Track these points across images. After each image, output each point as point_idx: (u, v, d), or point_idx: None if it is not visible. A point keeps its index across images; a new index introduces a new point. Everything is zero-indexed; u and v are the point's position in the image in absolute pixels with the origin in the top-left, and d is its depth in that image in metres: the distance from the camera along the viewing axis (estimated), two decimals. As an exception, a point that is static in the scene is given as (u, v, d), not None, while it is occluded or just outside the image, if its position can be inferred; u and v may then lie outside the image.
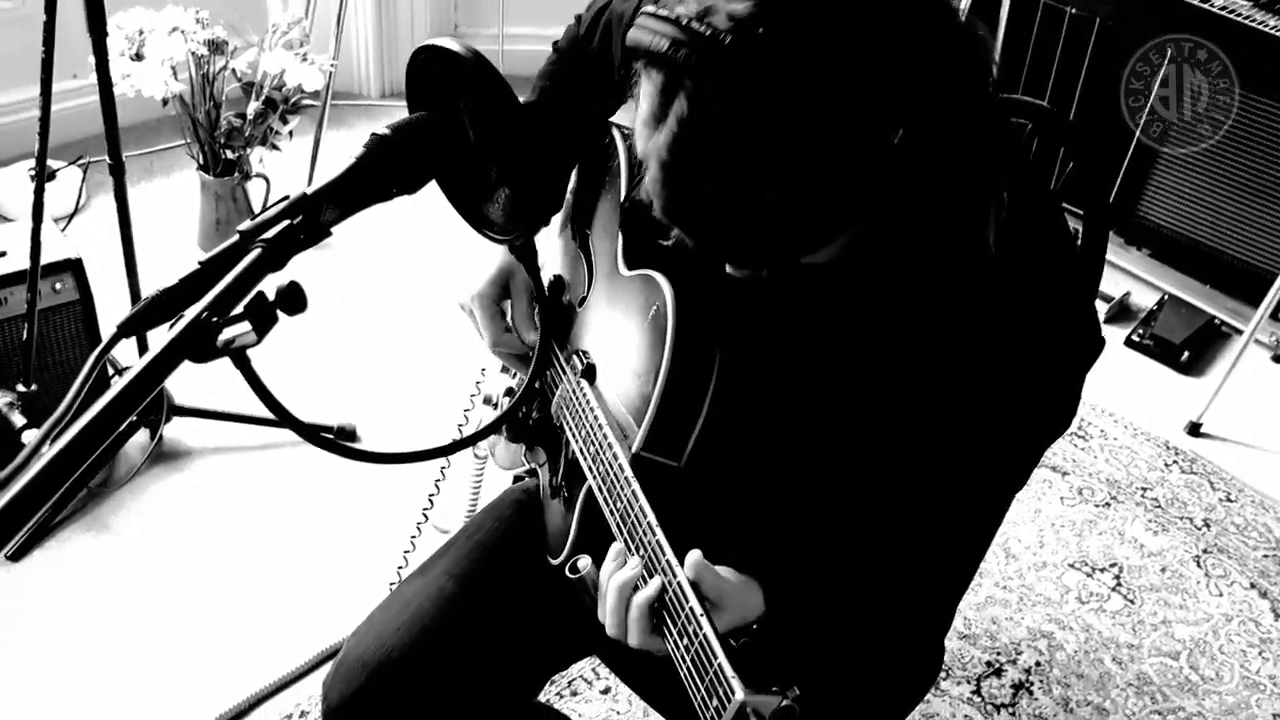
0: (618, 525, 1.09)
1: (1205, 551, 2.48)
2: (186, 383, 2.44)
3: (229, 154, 2.85)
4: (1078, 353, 1.05)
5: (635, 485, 1.06)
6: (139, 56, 2.56)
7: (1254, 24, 2.65)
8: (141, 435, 2.38)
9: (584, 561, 1.10)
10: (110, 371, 2.35)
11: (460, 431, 1.83)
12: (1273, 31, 2.63)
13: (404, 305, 2.87)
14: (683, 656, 0.97)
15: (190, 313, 0.72)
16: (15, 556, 2.14)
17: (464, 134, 0.93)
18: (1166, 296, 3.17)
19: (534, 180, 0.94)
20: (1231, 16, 2.68)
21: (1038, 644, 2.24)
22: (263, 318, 0.73)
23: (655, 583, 1.01)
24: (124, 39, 2.56)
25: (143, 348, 2.21)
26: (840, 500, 1.12)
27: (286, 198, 0.87)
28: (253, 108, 2.78)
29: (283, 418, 0.75)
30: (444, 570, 1.35)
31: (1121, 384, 2.94)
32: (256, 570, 2.17)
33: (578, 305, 1.31)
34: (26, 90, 3.15)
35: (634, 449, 1.11)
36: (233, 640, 2.05)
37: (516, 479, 1.56)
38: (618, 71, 1.21)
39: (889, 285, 1.05)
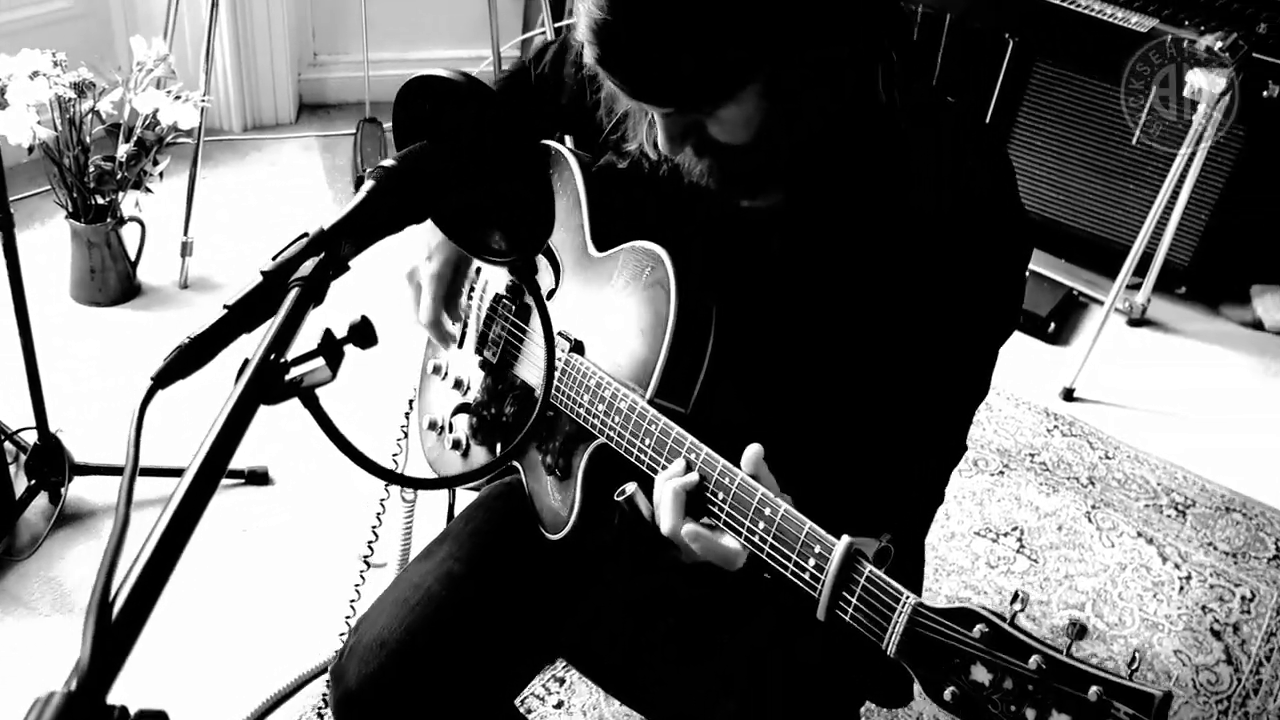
0: (650, 462, 1.19)
1: (1094, 507, 2.65)
2: (83, 440, 2.34)
3: (99, 199, 2.74)
4: (1015, 249, 1.21)
5: (664, 419, 1.16)
6: (1, 103, 2.44)
7: (1093, 14, 2.86)
8: (40, 499, 2.27)
9: (630, 486, 1.19)
10: (2, 438, 2.24)
11: (396, 461, 1.82)
12: (1110, 19, 2.84)
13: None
14: (763, 539, 1.07)
15: (254, 355, 0.72)
16: (-81, 639, 2.02)
17: (464, 159, 0.95)
18: (1029, 272, 3.37)
19: (535, 198, 0.96)
20: (1073, 8, 2.89)
21: (969, 605, 2.35)
22: (334, 354, 0.73)
23: (693, 476, 1.13)
24: (-17, 86, 2.44)
25: (39, 413, 2.09)
26: (834, 414, 1.24)
27: (305, 235, 0.87)
28: (124, 149, 2.68)
29: (352, 455, 0.76)
30: (448, 554, 1.39)
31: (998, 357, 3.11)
32: (184, 630, 2.10)
33: (546, 299, 1.38)
34: None
35: (647, 396, 1.20)
36: (169, 705, 1.98)
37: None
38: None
39: (839, 216, 1.18)
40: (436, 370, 1.59)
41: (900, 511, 1.28)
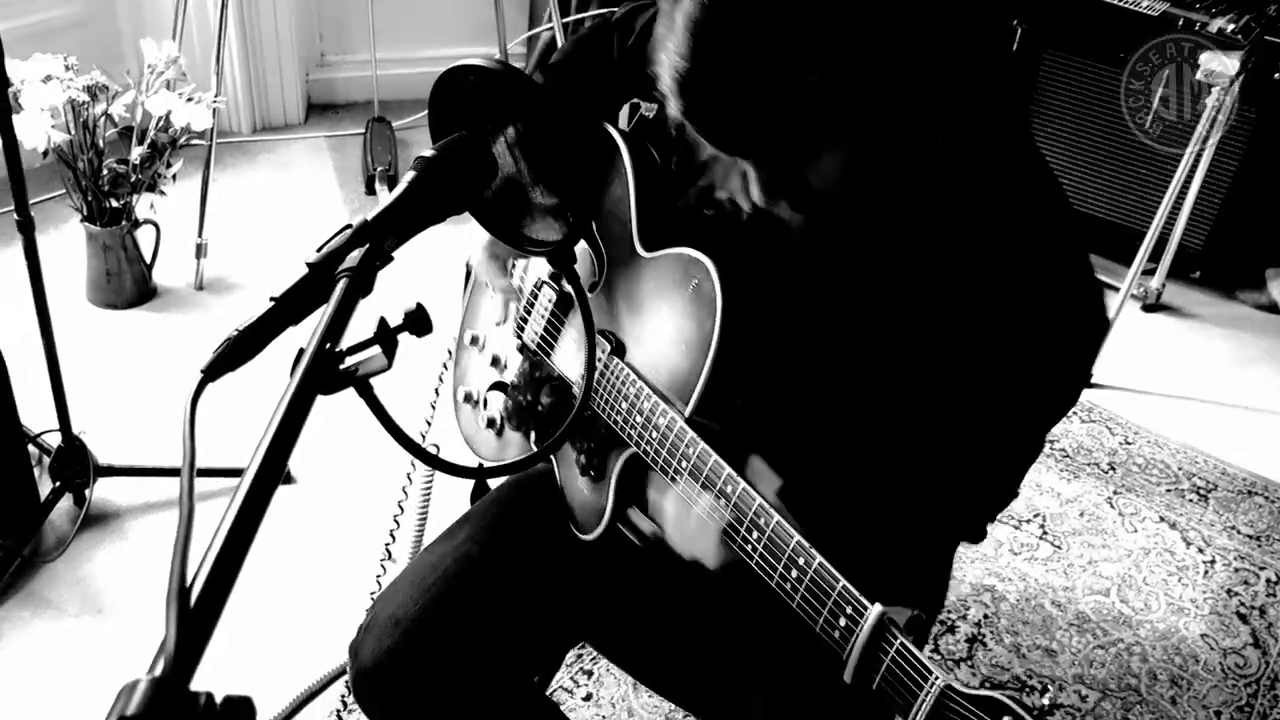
0: (686, 483, 1.16)
1: (1115, 493, 2.65)
2: (106, 441, 2.34)
3: (114, 202, 2.74)
4: (1093, 325, 1.18)
5: (702, 443, 1.13)
6: (15, 108, 2.44)
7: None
8: (65, 501, 2.27)
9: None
10: (25, 440, 2.24)
11: (423, 435, 1.81)
12: (1121, 4, 2.84)
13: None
14: (794, 587, 1.04)
15: (309, 346, 0.72)
16: (-53, 643, 2.02)
17: (503, 149, 0.95)
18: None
19: (574, 190, 0.96)
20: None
21: (982, 598, 2.35)
22: (388, 341, 0.73)
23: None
24: (-4, 91, 2.43)
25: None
26: (875, 441, 1.21)
27: (349, 227, 0.87)
28: (137, 152, 2.68)
29: (406, 444, 0.76)
30: (469, 536, 1.40)
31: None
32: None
33: (589, 292, 1.36)
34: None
35: (687, 414, 1.17)
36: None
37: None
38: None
39: (901, 238, 1.13)
40: (474, 341, 1.57)
41: (930, 541, 1.26)
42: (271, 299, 0.83)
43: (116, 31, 3.43)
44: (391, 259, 0.90)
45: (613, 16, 1.45)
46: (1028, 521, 2.55)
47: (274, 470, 0.62)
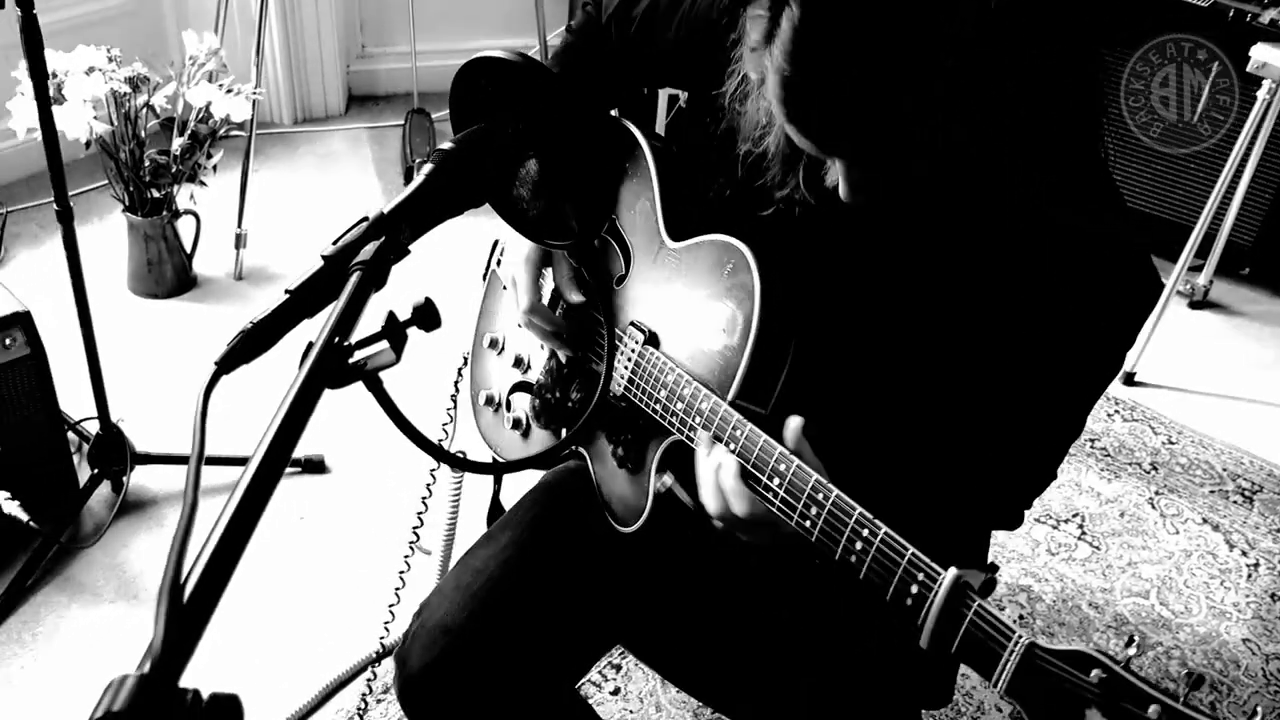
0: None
1: (1157, 493, 2.60)
2: (144, 429, 2.37)
3: (155, 192, 2.77)
4: (1144, 296, 1.15)
5: (749, 425, 1.12)
6: (58, 99, 2.47)
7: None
8: (104, 488, 2.30)
9: (668, 478, 1.20)
10: (65, 427, 2.27)
11: (446, 431, 1.81)
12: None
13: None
14: (859, 560, 1.04)
15: (318, 339, 0.72)
16: (-13, 626, 2.05)
17: (522, 142, 0.94)
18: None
19: (592, 182, 0.95)
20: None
21: (1018, 598, 2.32)
22: (397, 336, 0.72)
23: (731, 460, 1.12)
24: (40, 82, 2.47)
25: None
26: (919, 422, 1.20)
27: (365, 219, 0.86)
28: (179, 143, 2.71)
29: (415, 439, 0.75)
30: (510, 539, 1.39)
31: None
32: (243, 617, 2.12)
33: (615, 284, 1.35)
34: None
35: (729, 398, 1.16)
36: (233, 677, 2.00)
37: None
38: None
39: (954, 220, 1.12)
40: (493, 344, 1.56)
41: (969, 525, 1.26)
42: (286, 291, 0.83)
43: (160, 23, 3.47)
44: (408, 252, 0.89)
45: (604, 9, 1.44)
46: (1066, 521, 2.51)
47: (276, 465, 0.62)
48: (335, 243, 0.85)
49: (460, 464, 0.85)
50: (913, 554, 1.00)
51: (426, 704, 1.31)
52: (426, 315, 0.74)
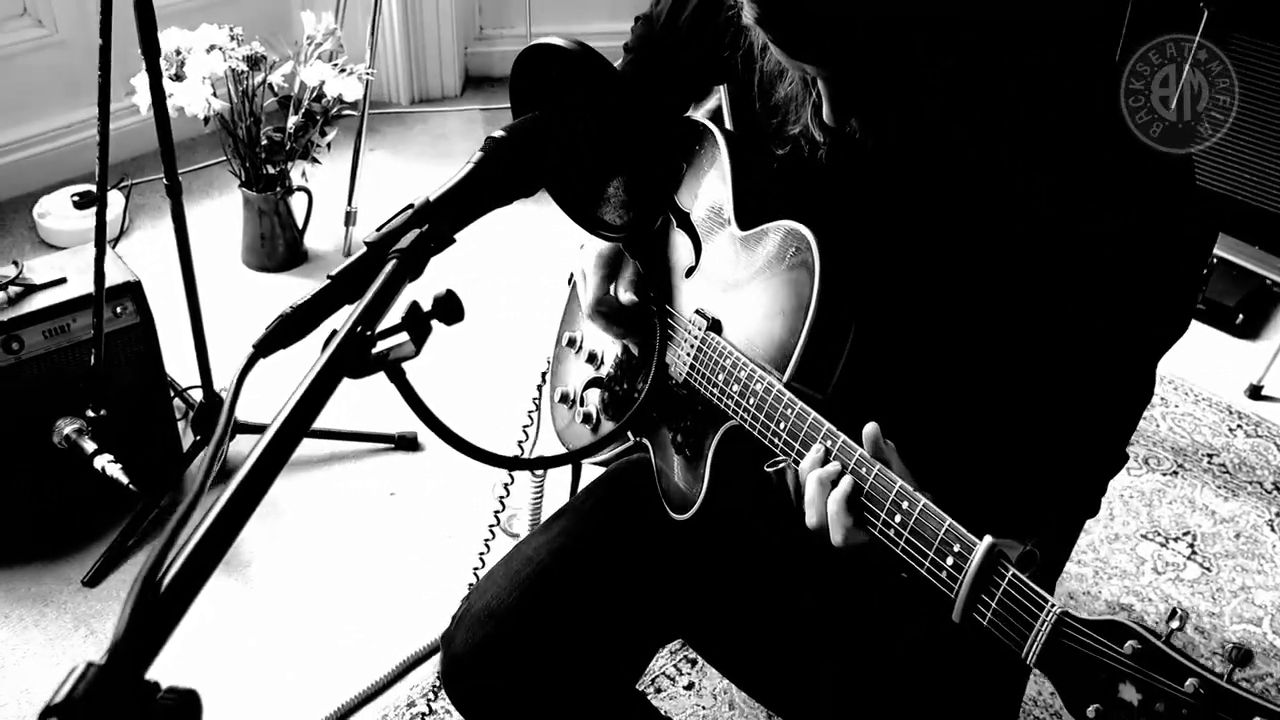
0: (784, 446, 1.15)
1: (1278, 515, 2.45)
2: (246, 399, 2.43)
3: (270, 169, 2.85)
4: (1200, 236, 1.15)
5: (800, 403, 1.13)
6: (179, 76, 2.55)
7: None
8: (205, 454, 2.37)
9: (783, 459, 1.17)
10: (172, 394, 2.36)
11: (526, 433, 1.82)
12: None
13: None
14: (898, 534, 1.03)
15: (342, 327, 0.71)
16: (91, 582, 2.14)
17: (577, 131, 0.92)
18: (1215, 260, 3.13)
19: (649, 172, 0.93)
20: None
21: (1117, 617, 2.21)
22: (419, 328, 0.71)
23: (848, 481, 1.07)
24: (163, 59, 2.55)
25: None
26: (982, 404, 1.18)
27: (410, 206, 0.86)
28: (293, 121, 2.78)
29: (437, 430, 0.74)
30: (564, 529, 1.39)
31: (1178, 350, 2.89)
32: (332, 580, 2.17)
33: (685, 276, 1.36)
34: (61, 117, 3.17)
35: (785, 379, 1.16)
36: (320, 650, 2.05)
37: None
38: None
39: (1006, 200, 1.10)
40: (571, 343, 1.58)
41: (1045, 516, 1.20)
42: (329, 277, 0.83)
43: (285, 3, 3.56)
44: (453, 241, 0.88)
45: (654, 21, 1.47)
46: (1176, 540, 2.38)
47: (280, 453, 0.62)
48: (379, 229, 0.84)
49: (486, 457, 0.84)
50: (950, 524, 0.99)
51: (469, 688, 1.31)
52: (448, 307, 0.73)
